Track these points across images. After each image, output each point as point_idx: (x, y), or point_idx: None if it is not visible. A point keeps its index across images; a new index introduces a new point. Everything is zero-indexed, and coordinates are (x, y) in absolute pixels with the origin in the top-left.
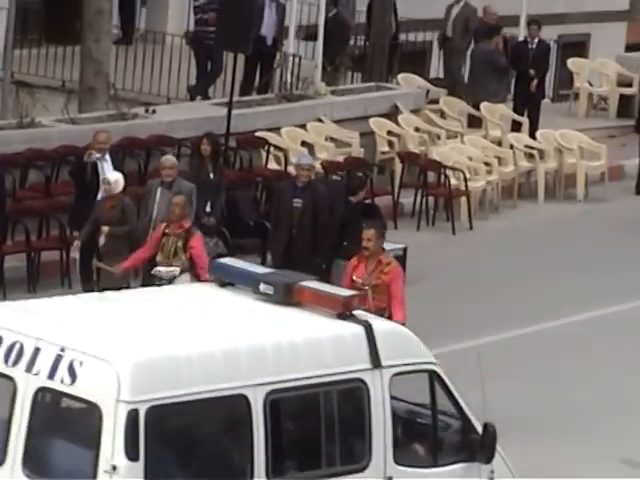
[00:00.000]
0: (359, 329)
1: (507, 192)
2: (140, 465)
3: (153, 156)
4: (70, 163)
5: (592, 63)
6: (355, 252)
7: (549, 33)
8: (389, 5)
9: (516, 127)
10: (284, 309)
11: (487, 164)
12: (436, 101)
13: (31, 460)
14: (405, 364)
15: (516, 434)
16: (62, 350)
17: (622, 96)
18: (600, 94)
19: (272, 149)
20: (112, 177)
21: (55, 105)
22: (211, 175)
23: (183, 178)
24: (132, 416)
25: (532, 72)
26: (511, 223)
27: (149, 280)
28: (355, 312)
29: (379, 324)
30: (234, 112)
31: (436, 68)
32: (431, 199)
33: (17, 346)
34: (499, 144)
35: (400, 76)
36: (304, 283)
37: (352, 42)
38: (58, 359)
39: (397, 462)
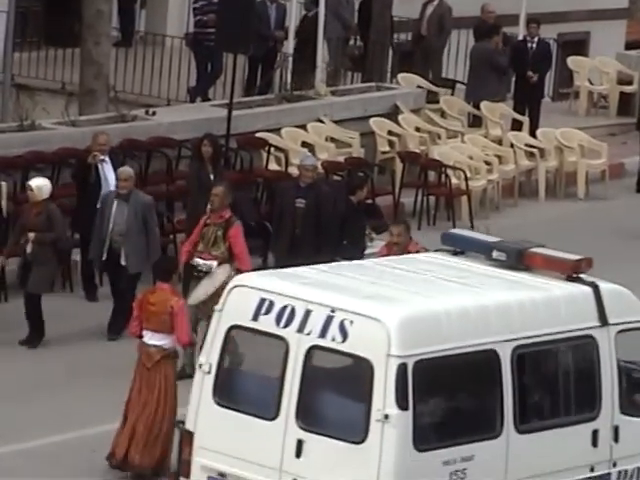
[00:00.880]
0: (587, 290)
1: (508, 191)
2: (409, 414)
3: (154, 158)
4: (71, 166)
5: (592, 61)
6: (354, 252)
7: (549, 32)
8: (388, 3)
9: (517, 126)
10: (517, 273)
11: (488, 163)
12: (436, 101)
13: (304, 413)
14: (628, 322)
15: None
16: (332, 311)
17: (622, 94)
18: (600, 92)
19: (272, 150)
20: (34, 183)
21: (55, 108)
22: (211, 176)
23: (183, 180)
24: (401, 369)
25: (530, 74)
26: (512, 222)
27: (189, 270)
28: (582, 275)
29: (604, 285)
30: (234, 113)
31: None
32: (432, 198)
33: (288, 309)
34: (499, 143)
35: (400, 76)
36: (534, 249)
37: (352, 42)
38: (329, 320)
39: (623, 412)
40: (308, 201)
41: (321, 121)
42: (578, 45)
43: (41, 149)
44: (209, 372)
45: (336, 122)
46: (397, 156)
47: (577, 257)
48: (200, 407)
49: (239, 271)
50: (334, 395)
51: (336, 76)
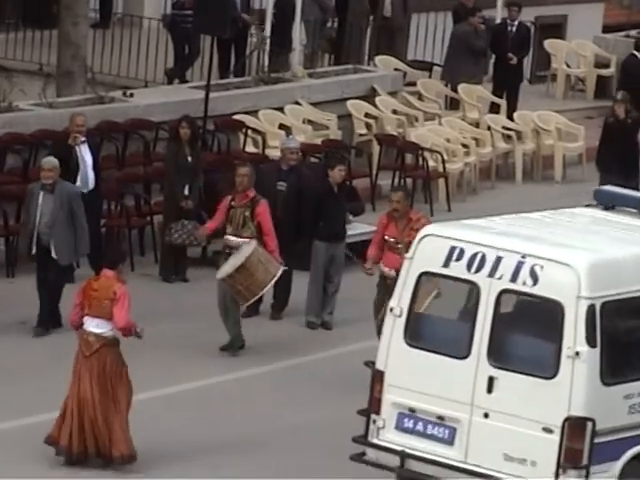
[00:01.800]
0: None
1: (485, 173)
2: (597, 351)
3: (131, 139)
4: (48, 147)
5: (569, 44)
6: (331, 233)
7: (526, 14)
8: None
9: (496, 109)
10: None
11: (465, 146)
12: (413, 83)
13: (495, 352)
14: None
15: None
16: (523, 257)
17: (599, 77)
18: (577, 75)
19: (250, 132)
20: None
21: (33, 89)
22: (189, 158)
23: (161, 162)
24: (590, 310)
25: (510, 55)
26: (489, 204)
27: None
28: None
29: None
30: (211, 95)
31: (414, 49)
32: (409, 181)
33: (479, 256)
34: (477, 126)
35: (377, 58)
36: None
37: (329, 24)
38: (519, 265)
39: None
40: (289, 184)
41: (298, 103)
42: (555, 28)
43: (18, 131)
44: (400, 316)
45: (313, 104)
46: (374, 138)
47: None
48: (391, 348)
49: (265, 246)
50: (524, 335)
51: (313, 58)
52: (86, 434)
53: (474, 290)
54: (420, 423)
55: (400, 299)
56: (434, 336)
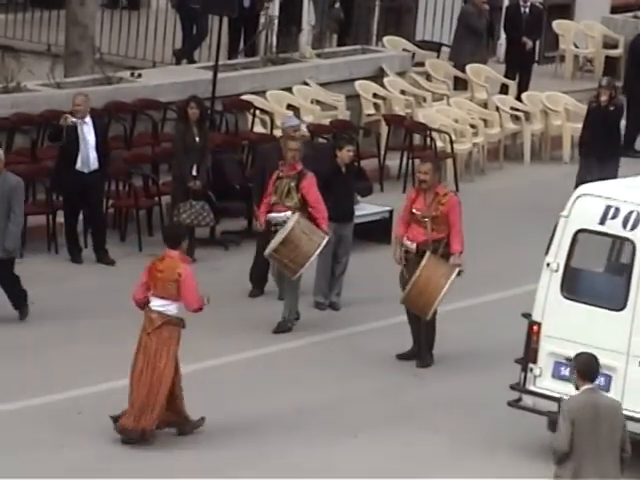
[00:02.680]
0: None
1: (493, 154)
2: None
3: (139, 120)
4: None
5: (577, 25)
6: (339, 214)
7: None
8: None
9: (506, 90)
10: None
11: (473, 126)
12: (422, 64)
13: None
14: None
15: None
16: None
17: (608, 58)
18: (586, 56)
19: (258, 112)
20: None
21: (41, 69)
22: (197, 139)
23: (169, 142)
24: None
25: (525, 39)
26: (497, 185)
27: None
28: None
29: None
30: (220, 75)
31: (422, 30)
32: (417, 161)
33: (634, 215)
34: (485, 106)
35: (385, 39)
36: None
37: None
38: None
39: None
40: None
41: (306, 84)
42: (564, 9)
43: (26, 111)
44: (557, 270)
45: (321, 85)
46: (382, 119)
47: None
48: (547, 301)
49: (309, 218)
50: None
51: (322, 39)
52: (140, 410)
53: (630, 246)
54: None
55: (557, 255)
56: (590, 290)
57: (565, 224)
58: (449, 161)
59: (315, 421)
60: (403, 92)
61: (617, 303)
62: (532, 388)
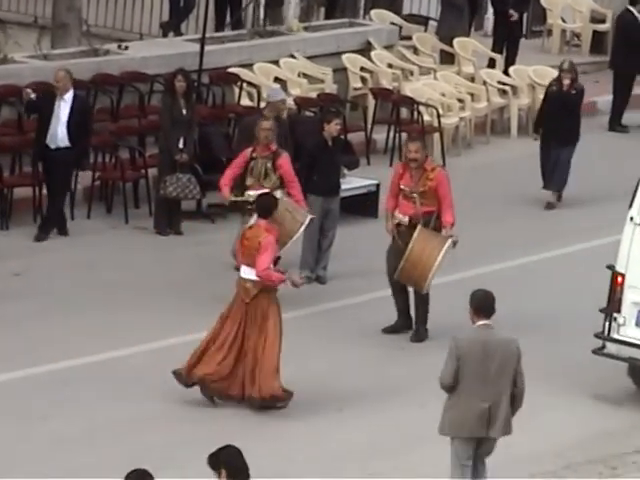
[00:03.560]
0: None
1: (480, 128)
2: None
3: (126, 92)
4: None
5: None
6: (325, 188)
7: None
8: None
9: (494, 64)
10: None
11: (460, 100)
12: (409, 37)
13: None
14: None
15: None
16: None
17: (595, 32)
18: (573, 30)
19: (245, 85)
20: None
21: (27, 41)
22: (184, 111)
23: (155, 114)
24: None
25: (511, 12)
26: (484, 159)
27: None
28: None
29: None
30: (206, 48)
31: (409, 4)
32: (404, 135)
33: None
34: (472, 80)
35: (373, 12)
36: None
37: None
38: None
39: None
40: (278, 135)
41: (294, 57)
42: None
43: (13, 83)
44: None
45: (309, 58)
46: (369, 92)
47: None
48: (631, 253)
49: (289, 195)
50: None
51: (309, 12)
52: (239, 377)
53: None
54: None
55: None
56: None
57: None
58: (436, 135)
59: (300, 395)
60: (390, 66)
61: None
62: (616, 336)
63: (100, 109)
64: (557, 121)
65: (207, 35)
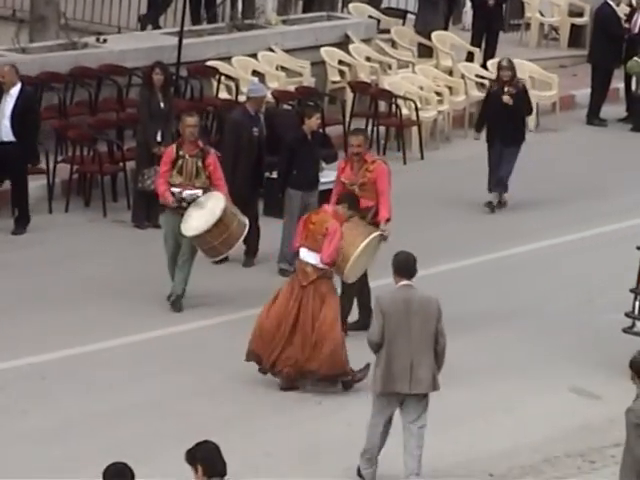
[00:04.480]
0: None
1: (458, 122)
2: None
3: (104, 85)
4: None
5: None
6: (304, 181)
7: None
8: None
9: (472, 57)
10: None
11: (438, 94)
12: (387, 31)
13: None
14: None
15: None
16: None
17: (573, 26)
18: (551, 24)
19: (223, 78)
20: None
21: (6, 34)
22: (162, 104)
23: (134, 107)
24: None
25: (491, 2)
26: (462, 153)
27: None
28: None
29: None
30: (185, 41)
31: None
32: (382, 129)
33: None
34: (450, 74)
35: (351, 5)
36: None
37: None
38: None
39: None
40: (260, 129)
41: (272, 50)
42: None
43: None
44: None
45: (287, 51)
46: (348, 86)
47: None
48: None
49: None
50: None
51: (287, 5)
52: (295, 356)
53: None
54: None
55: None
56: None
57: None
58: (414, 128)
59: (278, 388)
60: (368, 59)
61: None
62: None
63: (78, 102)
64: (499, 122)
65: (185, 28)
